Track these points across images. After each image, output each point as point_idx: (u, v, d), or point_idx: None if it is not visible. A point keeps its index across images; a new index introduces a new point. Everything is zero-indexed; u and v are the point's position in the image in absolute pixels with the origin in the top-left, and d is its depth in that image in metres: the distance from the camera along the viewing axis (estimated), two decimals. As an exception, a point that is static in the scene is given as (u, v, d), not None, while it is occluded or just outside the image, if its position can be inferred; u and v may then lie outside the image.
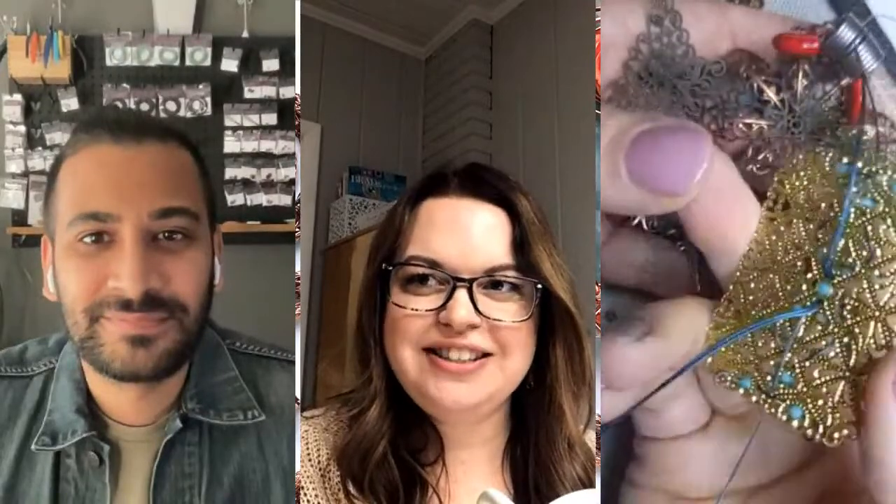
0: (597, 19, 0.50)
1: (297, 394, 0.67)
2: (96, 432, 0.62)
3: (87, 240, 0.58)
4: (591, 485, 0.65)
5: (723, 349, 0.41)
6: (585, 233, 2.07)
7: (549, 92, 2.49)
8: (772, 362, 0.40)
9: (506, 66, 2.82)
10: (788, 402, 0.39)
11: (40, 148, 1.92)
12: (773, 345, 0.40)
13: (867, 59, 0.45)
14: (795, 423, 0.39)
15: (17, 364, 0.67)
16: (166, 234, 0.59)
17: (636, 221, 0.50)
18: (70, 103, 1.92)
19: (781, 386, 0.39)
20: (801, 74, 0.47)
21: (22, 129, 1.91)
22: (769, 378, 0.40)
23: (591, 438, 0.69)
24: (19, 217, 1.92)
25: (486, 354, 0.60)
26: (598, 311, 0.56)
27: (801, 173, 0.43)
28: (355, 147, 2.91)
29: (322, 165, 2.77)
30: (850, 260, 0.39)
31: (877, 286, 0.38)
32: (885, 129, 0.47)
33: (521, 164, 2.58)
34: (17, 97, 1.90)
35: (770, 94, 0.47)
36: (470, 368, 0.59)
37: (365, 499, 0.60)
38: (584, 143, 2.19)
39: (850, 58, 0.45)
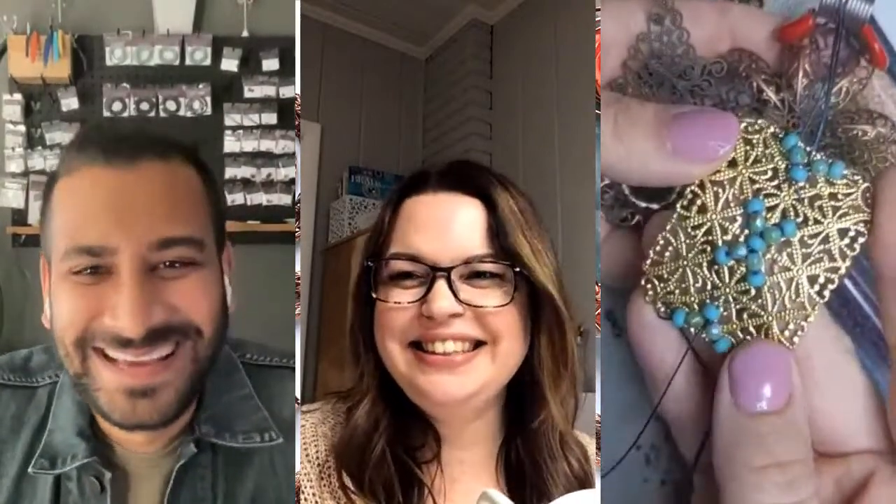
0: (597, 19, 0.50)
1: (297, 393, 0.67)
2: (98, 457, 0.59)
3: (82, 272, 0.54)
4: (586, 479, 0.65)
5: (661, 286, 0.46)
6: (585, 233, 2.07)
7: (549, 92, 2.49)
8: (705, 298, 0.46)
9: (506, 66, 2.81)
10: (717, 332, 0.45)
11: (40, 147, 1.91)
12: (708, 285, 0.45)
13: (862, 5, 0.45)
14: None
15: (20, 372, 0.63)
16: (167, 264, 0.55)
17: (634, 222, 0.50)
18: (70, 103, 1.92)
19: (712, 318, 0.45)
20: (800, 74, 0.47)
21: (22, 128, 1.91)
22: (699, 310, 0.45)
23: (581, 437, 0.69)
24: (19, 217, 1.91)
25: (478, 344, 0.60)
26: (598, 311, 0.56)
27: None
28: (355, 147, 2.91)
29: (322, 165, 2.77)
30: (781, 223, 0.44)
31: (799, 249, 0.44)
32: (886, 130, 0.47)
33: (521, 164, 2.58)
34: (17, 97, 1.90)
35: (770, 93, 0.47)
36: (459, 361, 0.60)
37: (363, 496, 0.60)
38: (584, 143, 2.19)
39: (848, 10, 0.45)
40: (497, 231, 0.61)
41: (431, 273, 0.60)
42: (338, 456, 0.63)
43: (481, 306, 0.60)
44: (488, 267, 0.61)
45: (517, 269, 0.61)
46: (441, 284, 0.59)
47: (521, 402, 0.66)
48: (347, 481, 0.61)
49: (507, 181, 0.66)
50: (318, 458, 0.64)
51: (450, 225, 0.62)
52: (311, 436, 0.65)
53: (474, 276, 0.61)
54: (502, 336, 0.61)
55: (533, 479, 0.64)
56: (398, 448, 0.62)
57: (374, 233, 0.66)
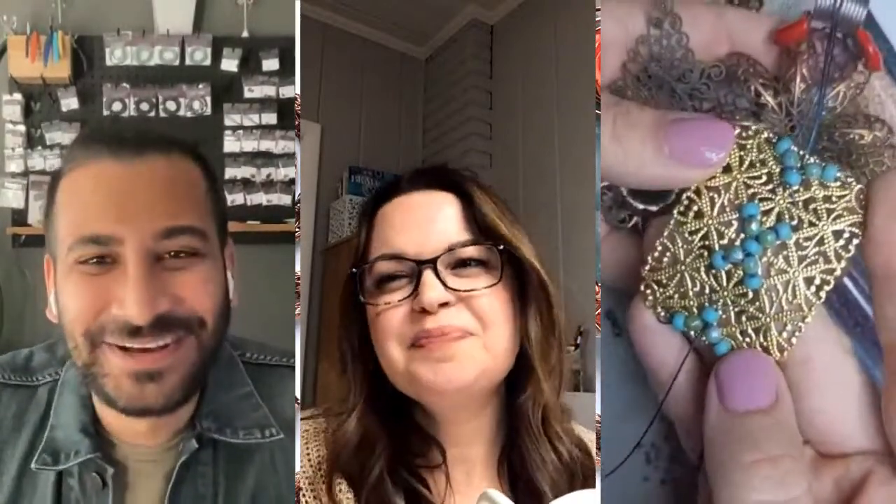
0: (597, 20, 0.50)
1: (297, 393, 0.67)
2: (101, 453, 0.59)
3: (89, 262, 0.55)
4: (573, 465, 0.64)
5: (661, 291, 0.47)
6: (585, 233, 2.07)
7: (549, 92, 2.49)
8: (703, 301, 0.46)
9: (506, 66, 2.82)
10: (717, 335, 0.45)
11: (40, 147, 1.92)
12: (706, 289, 0.45)
13: (856, 8, 0.46)
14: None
15: (22, 372, 0.64)
16: (172, 254, 0.56)
17: (632, 223, 0.50)
18: (70, 103, 1.92)
19: (711, 321, 0.46)
20: (798, 78, 0.47)
21: (22, 128, 1.91)
22: (698, 314, 0.46)
23: (583, 433, 0.69)
24: (19, 217, 1.91)
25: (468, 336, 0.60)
26: (598, 311, 0.56)
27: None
28: (355, 147, 2.91)
29: (322, 165, 2.77)
30: (777, 226, 0.44)
31: (795, 251, 0.44)
32: (882, 134, 0.47)
33: (521, 163, 2.58)
34: (17, 97, 1.90)
35: (768, 97, 0.48)
36: (453, 336, 0.59)
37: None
38: (584, 143, 2.19)
39: (842, 14, 0.46)
40: (475, 216, 0.62)
41: (417, 267, 0.60)
42: (336, 466, 0.62)
43: (471, 290, 0.60)
44: (472, 251, 0.61)
45: (501, 248, 0.61)
46: (428, 275, 0.60)
47: (515, 389, 0.65)
48: (344, 494, 0.61)
49: (478, 181, 0.67)
50: (320, 462, 0.64)
51: (428, 218, 0.63)
52: (314, 442, 0.65)
53: (460, 266, 0.61)
54: (493, 321, 0.61)
55: (521, 472, 0.64)
56: (399, 463, 0.62)
57: (355, 246, 0.67)
